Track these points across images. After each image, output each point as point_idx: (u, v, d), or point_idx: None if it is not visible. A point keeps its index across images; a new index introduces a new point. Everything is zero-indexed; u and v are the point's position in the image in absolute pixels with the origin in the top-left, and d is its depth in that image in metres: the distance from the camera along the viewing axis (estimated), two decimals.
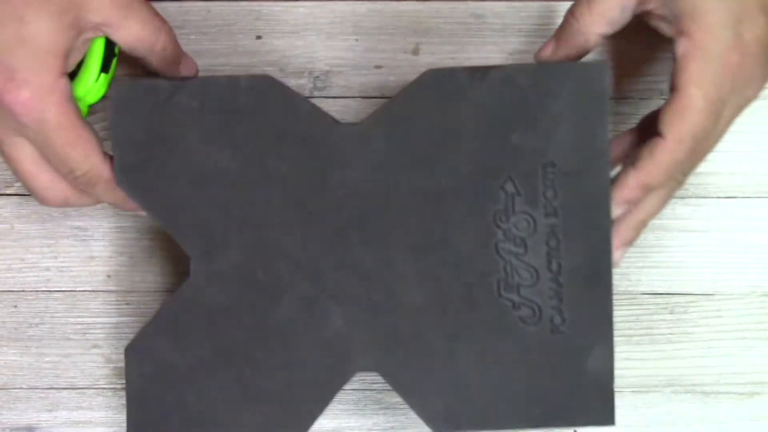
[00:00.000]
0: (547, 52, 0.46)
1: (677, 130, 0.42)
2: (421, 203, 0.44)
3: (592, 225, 0.44)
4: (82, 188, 0.44)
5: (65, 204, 0.45)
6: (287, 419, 0.45)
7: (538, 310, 0.44)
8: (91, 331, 0.51)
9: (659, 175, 0.43)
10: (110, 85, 0.45)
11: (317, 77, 0.51)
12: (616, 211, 0.44)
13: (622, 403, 0.51)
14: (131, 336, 0.51)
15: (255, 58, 0.51)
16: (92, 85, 0.44)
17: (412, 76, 0.51)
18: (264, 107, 0.44)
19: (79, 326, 0.51)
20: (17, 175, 0.44)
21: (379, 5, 0.51)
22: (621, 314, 0.51)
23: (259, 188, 0.44)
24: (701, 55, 0.41)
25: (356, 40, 0.51)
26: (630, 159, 0.44)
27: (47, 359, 0.51)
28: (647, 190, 0.44)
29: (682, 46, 0.42)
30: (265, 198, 0.44)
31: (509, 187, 0.44)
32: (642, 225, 0.46)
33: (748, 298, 0.51)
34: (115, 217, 0.51)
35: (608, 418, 0.45)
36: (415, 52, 0.51)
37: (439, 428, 0.45)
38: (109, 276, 0.51)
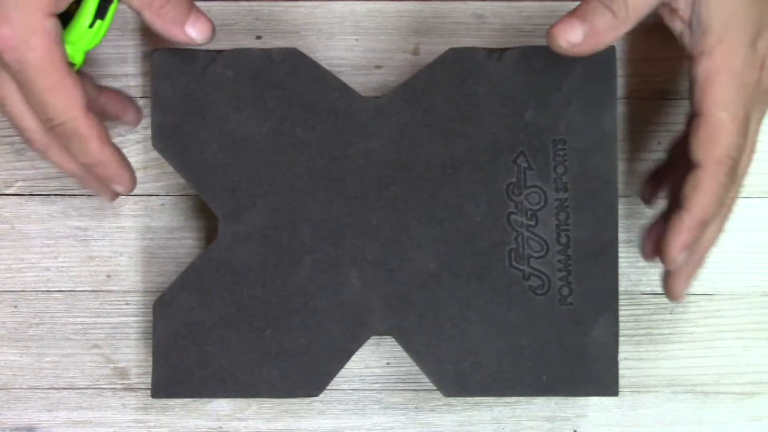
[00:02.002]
0: (577, 39, 0.42)
1: (713, 155, 0.41)
2: (437, 174, 0.46)
3: (600, 200, 0.46)
4: (59, 141, 0.42)
5: (47, 152, 0.43)
6: (305, 378, 0.46)
7: (547, 281, 0.46)
8: (91, 331, 0.51)
9: (711, 204, 0.42)
10: (107, 31, 0.43)
11: None
12: (678, 259, 0.43)
13: (622, 403, 0.51)
14: (131, 336, 0.51)
15: None
16: (86, 30, 0.43)
17: None
18: (293, 79, 0.46)
19: (79, 326, 0.51)
20: (5, 113, 0.42)
21: (379, 5, 0.51)
22: (621, 314, 0.51)
23: (286, 155, 0.46)
24: (724, 78, 0.41)
25: (356, 40, 0.51)
26: (674, 202, 0.43)
27: (47, 359, 0.51)
28: (704, 225, 0.42)
29: (703, 67, 0.41)
30: (291, 164, 0.46)
31: (522, 162, 0.46)
32: (703, 260, 0.45)
33: (748, 298, 0.51)
34: (115, 217, 0.51)
35: (612, 389, 0.46)
36: (415, 52, 0.51)
37: (449, 392, 0.46)
38: (109, 276, 0.51)
